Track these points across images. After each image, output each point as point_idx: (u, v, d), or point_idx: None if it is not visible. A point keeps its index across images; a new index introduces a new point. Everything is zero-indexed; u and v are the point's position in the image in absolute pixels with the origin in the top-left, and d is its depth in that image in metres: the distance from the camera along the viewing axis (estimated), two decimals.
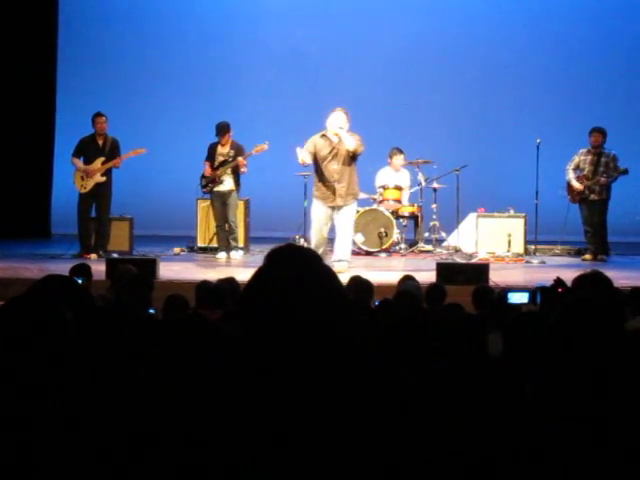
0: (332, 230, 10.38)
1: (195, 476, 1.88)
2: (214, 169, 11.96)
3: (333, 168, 10.12)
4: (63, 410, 2.37)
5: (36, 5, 14.71)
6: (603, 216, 11.94)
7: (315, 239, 10.19)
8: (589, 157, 11.97)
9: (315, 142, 10.19)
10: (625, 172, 11.83)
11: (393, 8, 14.94)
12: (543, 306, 4.91)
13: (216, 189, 11.99)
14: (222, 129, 11.97)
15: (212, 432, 1.88)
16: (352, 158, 10.14)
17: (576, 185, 11.91)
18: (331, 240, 10.52)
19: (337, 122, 10.09)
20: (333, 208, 10.18)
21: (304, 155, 10.07)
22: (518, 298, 5.59)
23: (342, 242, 10.26)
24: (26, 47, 14.51)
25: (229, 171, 11.93)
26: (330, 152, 10.12)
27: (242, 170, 11.90)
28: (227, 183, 11.98)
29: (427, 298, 6.65)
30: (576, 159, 12.05)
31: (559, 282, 4.85)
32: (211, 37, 15.25)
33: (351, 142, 10.00)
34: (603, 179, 11.81)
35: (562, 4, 15.01)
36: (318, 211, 10.24)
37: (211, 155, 12.06)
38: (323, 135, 10.17)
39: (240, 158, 11.81)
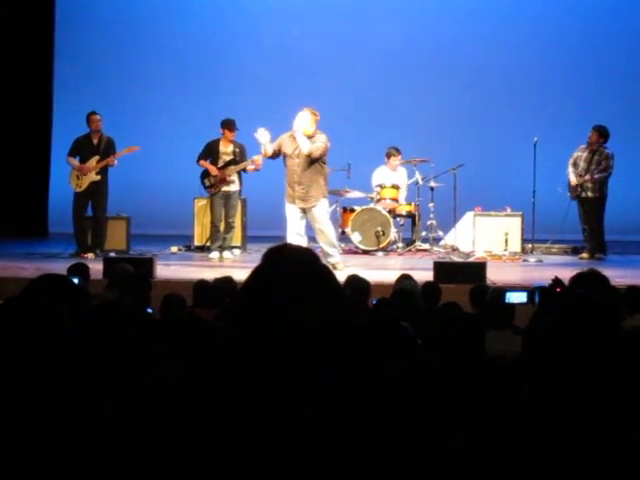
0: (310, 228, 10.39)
1: (191, 475, 1.88)
2: (219, 168, 11.84)
3: (293, 169, 10.13)
4: (62, 409, 2.37)
5: (33, 4, 14.69)
6: (599, 214, 11.94)
7: (291, 240, 9.87)
8: (585, 154, 11.99)
9: (282, 140, 10.20)
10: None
11: (389, 7, 14.94)
12: (541, 306, 4.91)
13: (224, 189, 11.88)
14: (233, 124, 11.75)
15: (208, 430, 1.88)
16: (313, 160, 10.10)
17: (572, 179, 11.93)
18: (311, 238, 10.53)
19: (299, 123, 10.05)
20: (302, 209, 10.19)
21: (267, 145, 10.12)
22: (516, 298, 5.58)
23: (324, 240, 10.27)
24: (23, 47, 14.49)
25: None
26: (292, 152, 10.12)
27: (252, 169, 11.70)
28: (235, 183, 11.90)
29: (423, 297, 6.67)
30: (575, 154, 12.07)
31: (557, 282, 4.85)
32: (208, 36, 15.24)
33: (305, 145, 9.96)
34: (587, 177, 11.82)
35: (559, 2, 15.01)
36: (290, 212, 10.26)
37: (212, 153, 11.84)
38: (291, 135, 10.15)
39: (258, 156, 11.49)
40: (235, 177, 11.85)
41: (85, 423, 2.35)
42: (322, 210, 10.28)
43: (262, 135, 10.13)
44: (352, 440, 1.85)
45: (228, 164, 11.80)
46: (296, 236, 10.09)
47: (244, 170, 11.86)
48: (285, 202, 10.31)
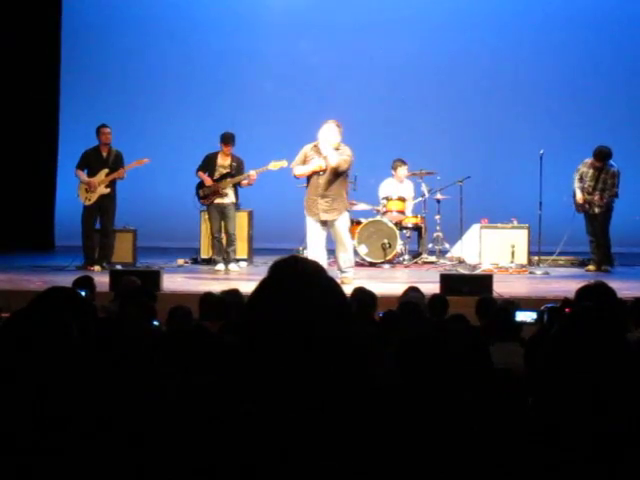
0: (330, 241, 10.35)
1: None
2: (215, 181, 11.91)
3: (319, 182, 10.03)
4: (68, 421, 2.38)
5: (39, 17, 14.74)
6: (605, 227, 11.92)
7: (312, 254, 9.93)
8: (591, 171, 11.92)
9: (306, 152, 10.12)
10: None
11: (395, 21, 14.95)
12: (550, 325, 4.91)
13: (217, 201, 11.94)
14: (231, 138, 11.85)
15: (213, 442, 1.89)
16: (338, 174, 10.05)
17: (579, 196, 11.90)
18: (331, 251, 10.49)
19: (327, 135, 10.00)
20: (323, 222, 10.13)
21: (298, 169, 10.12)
22: (526, 317, 5.58)
23: (342, 253, 10.20)
24: (29, 59, 14.54)
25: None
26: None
27: (245, 184, 11.82)
28: (230, 196, 11.95)
29: (429, 309, 6.66)
30: (581, 169, 12.01)
31: (567, 302, 4.84)
32: (215, 51, 15.27)
33: (334, 158, 9.87)
34: (597, 197, 11.80)
35: (565, 16, 15.02)
36: (311, 226, 10.14)
37: (210, 166, 11.93)
38: (315, 146, 10.09)
39: (253, 172, 11.68)
40: (230, 190, 11.89)
41: (90, 433, 2.35)
42: (344, 223, 10.22)
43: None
44: (355, 451, 1.86)
45: (224, 177, 11.87)
46: (317, 250, 10.02)
47: (239, 184, 11.92)
48: (305, 215, 10.18)
